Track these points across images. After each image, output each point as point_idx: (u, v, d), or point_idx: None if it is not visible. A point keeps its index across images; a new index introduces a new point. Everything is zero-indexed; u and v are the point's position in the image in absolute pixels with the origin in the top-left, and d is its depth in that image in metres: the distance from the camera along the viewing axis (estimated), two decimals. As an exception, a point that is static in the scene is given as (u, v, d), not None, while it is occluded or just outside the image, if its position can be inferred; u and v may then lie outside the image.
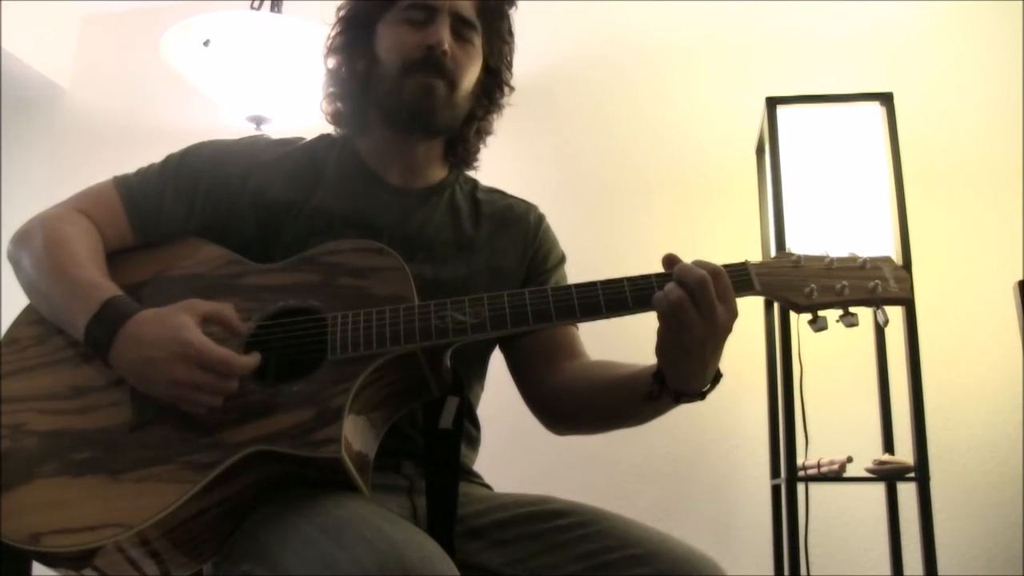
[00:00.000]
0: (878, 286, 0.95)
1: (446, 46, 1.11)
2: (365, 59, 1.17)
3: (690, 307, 0.88)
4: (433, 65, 1.11)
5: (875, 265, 0.97)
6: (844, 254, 0.98)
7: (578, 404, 1.13)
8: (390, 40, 1.14)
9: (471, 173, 1.28)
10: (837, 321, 0.96)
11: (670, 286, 0.90)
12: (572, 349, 1.18)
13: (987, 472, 2.15)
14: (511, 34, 1.24)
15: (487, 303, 0.97)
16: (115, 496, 0.89)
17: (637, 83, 2.64)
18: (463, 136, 1.22)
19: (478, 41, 1.17)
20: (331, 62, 1.22)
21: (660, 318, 0.91)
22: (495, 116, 1.25)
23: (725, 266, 0.93)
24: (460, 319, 0.97)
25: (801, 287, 0.95)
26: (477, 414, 1.21)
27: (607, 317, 0.96)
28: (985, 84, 2.39)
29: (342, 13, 1.21)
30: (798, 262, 0.97)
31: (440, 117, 1.14)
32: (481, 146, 1.25)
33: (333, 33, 1.21)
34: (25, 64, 2.93)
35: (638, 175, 2.55)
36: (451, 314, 0.97)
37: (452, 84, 1.13)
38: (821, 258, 0.98)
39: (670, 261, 0.93)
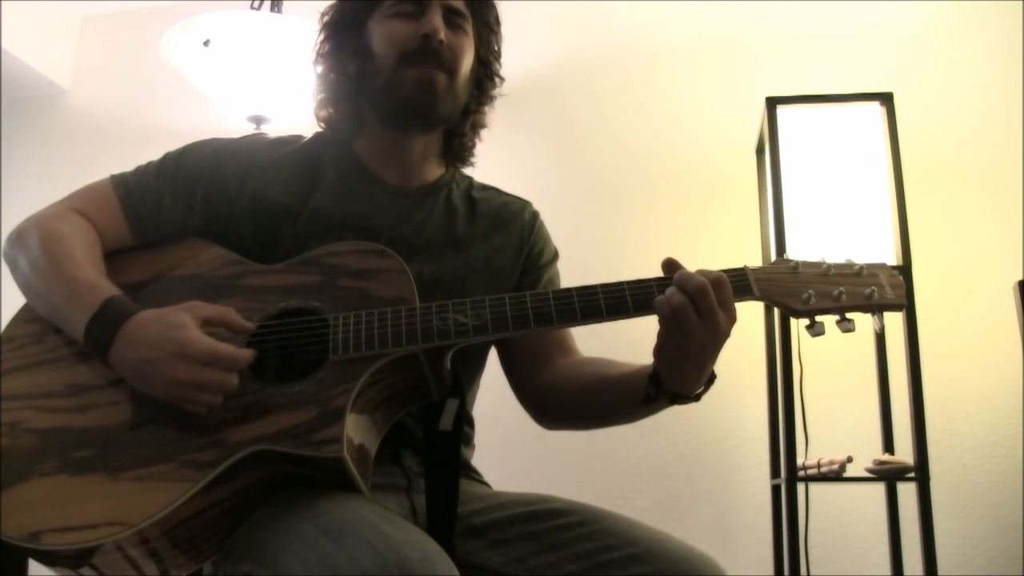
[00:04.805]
0: (874, 292, 0.96)
1: (442, 35, 1.11)
2: (357, 59, 1.16)
3: (692, 312, 0.90)
4: (430, 55, 1.11)
5: (871, 272, 0.99)
6: (841, 260, 1.00)
7: (571, 401, 1.14)
8: (384, 34, 1.13)
9: (469, 170, 1.28)
10: (836, 325, 0.97)
11: (671, 291, 0.91)
12: (565, 346, 1.18)
13: (987, 472, 2.15)
14: (498, 23, 1.24)
15: (488, 305, 0.98)
16: (115, 494, 0.89)
17: (637, 82, 2.64)
18: (460, 130, 1.21)
19: (470, 30, 1.17)
20: (320, 67, 1.21)
21: (661, 322, 0.92)
22: (488, 108, 1.25)
23: (724, 271, 0.94)
24: (462, 321, 0.97)
25: (799, 293, 0.96)
26: (473, 412, 1.21)
27: (608, 320, 0.96)
28: (985, 84, 2.39)
29: (327, 18, 1.20)
30: (796, 268, 0.99)
31: (441, 108, 1.13)
32: (476, 141, 1.25)
33: (320, 39, 1.20)
34: (25, 64, 2.93)
35: (638, 174, 2.55)
36: (452, 316, 0.97)
37: (451, 73, 1.13)
38: (818, 264, 0.99)
39: (670, 266, 0.95)
